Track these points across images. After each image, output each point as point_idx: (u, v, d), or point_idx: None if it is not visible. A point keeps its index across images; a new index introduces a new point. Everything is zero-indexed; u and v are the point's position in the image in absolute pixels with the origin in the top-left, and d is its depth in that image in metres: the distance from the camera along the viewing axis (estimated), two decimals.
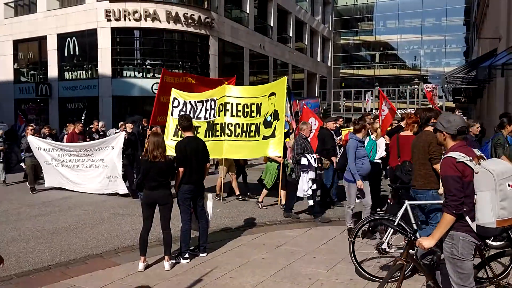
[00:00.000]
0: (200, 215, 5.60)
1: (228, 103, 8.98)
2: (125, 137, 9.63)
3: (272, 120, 8.54)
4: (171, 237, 5.21)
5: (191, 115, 9.23)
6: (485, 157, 3.13)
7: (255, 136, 8.73)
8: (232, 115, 8.96)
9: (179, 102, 9.62)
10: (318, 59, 42.76)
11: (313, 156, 7.42)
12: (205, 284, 4.61)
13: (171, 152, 9.58)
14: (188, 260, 5.29)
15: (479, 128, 8.29)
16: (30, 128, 11.12)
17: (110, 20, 22.03)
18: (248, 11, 29.18)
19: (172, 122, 9.58)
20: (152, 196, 5.12)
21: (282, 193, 8.44)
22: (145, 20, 22.11)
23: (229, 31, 26.59)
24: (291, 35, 35.72)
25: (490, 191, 2.90)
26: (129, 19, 22.03)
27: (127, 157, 9.94)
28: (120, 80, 22.71)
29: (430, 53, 50.17)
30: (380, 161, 7.94)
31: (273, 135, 8.44)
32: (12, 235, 6.78)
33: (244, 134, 8.83)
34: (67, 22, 23.37)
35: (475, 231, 2.99)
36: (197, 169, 5.48)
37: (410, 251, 3.58)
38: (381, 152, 7.82)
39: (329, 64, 46.41)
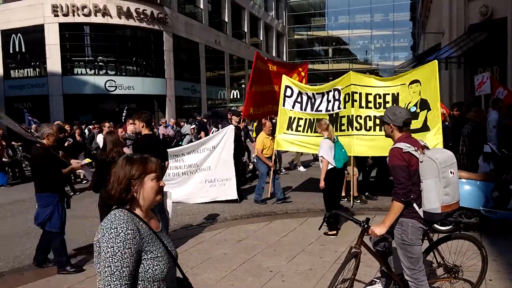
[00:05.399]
0: (159, 213, 5.56)
1: (356, 92, 7.80)
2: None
3: (418, 110, 7.39)
4: None
5: (309, 107, 8.45)
6: (428, 147, 3.34)
7: None
8: (361, 106, 7.79)
9: (292, 92, 8.63)
10: (274, 54, 43.14)
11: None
12: None
13: (283, 147, 8.92)
14: None
15: None
16: (122, 129, 9.48)
17: (57, 16, 21.15)
18: (202, 7, 28.94)
19: (284, 114, 8.67)
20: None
21: None
22: (95, 15, 21.40)
23: (183, 27, 26.26)
24: (246, 30, 35.81)
25: (434, 178, 3.11)
26: (78, 14, 21.24)
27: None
28: (71, 78, 21.88)
29: (380, 47, 52.07)
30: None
31: (425, 128, 7.17)
32: None
33: (378, 127, 7.68)
34: (11, 17, 22.15)
35: (422, 217, 3.20)
36: None
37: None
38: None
39: (284, 59, 46.93)
